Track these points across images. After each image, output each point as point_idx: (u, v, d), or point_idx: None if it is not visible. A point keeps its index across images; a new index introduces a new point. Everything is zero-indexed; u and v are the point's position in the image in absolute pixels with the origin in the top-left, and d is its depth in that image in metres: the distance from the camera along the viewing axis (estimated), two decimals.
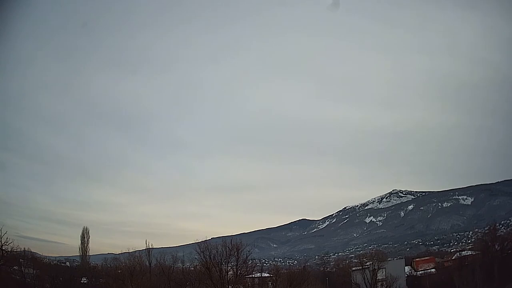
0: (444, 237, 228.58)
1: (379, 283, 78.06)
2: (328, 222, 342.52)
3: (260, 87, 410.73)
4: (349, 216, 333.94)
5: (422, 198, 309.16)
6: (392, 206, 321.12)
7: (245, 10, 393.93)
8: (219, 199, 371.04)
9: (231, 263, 56.22)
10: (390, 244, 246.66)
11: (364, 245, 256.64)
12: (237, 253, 55.46)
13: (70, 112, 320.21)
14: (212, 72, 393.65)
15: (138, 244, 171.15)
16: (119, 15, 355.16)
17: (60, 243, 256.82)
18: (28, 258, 75.23)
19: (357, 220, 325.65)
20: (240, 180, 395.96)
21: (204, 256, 54.63)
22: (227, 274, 55.93)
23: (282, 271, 77.82)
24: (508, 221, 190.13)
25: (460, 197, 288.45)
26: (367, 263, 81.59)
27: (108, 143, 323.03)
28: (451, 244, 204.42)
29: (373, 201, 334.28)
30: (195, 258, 62.91)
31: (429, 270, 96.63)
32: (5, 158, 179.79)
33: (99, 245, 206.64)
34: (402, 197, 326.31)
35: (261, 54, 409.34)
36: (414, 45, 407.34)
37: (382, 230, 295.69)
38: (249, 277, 66.86)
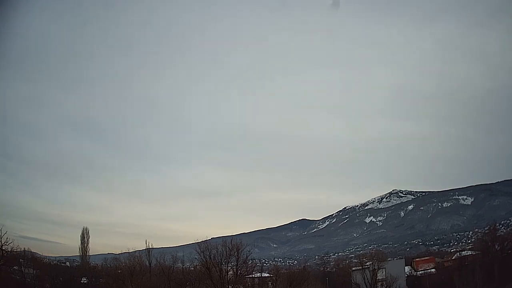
0: (444, 237, 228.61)
1: (379, 283, 77.98)
2: (328, 222, 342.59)
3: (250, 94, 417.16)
4: (349, 216, 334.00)
5: (422, 198, 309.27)
6: (392, 206, 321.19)
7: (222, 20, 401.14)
8: (214, 202, 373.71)
9: (231, 263, 56.17)
10: (390, 244, 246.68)
11: (364, 245, 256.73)
12: (237, 253, 55.41)
13: (52, 123, 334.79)
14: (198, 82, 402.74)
15: (136, 244, 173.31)
16: (93, 30, 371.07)
17: (60, 243, 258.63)
18: (28, 258, 75.05)
19: (357, 220, 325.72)
20: (238, 183, 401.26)
21: (204, 256, 54.60)
22: (227, 274, 55.89)
23: (282, 271, 77.88)
24: (508, 221, 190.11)
25: (460, 197, 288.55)
26: (367, 263, 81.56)
27: (90, 152, 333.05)
28: (451, 244, 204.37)
29: (373, 201, 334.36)
30: (195, 258, 62.91)
31: (429, 270, 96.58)
32: None
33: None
34: (402, 197, 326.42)
35: (234, 67, 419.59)
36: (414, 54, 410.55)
37: (382, 230, 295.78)
38: (249, 277, 66.84)
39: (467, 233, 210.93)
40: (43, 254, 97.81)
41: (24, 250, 74.50)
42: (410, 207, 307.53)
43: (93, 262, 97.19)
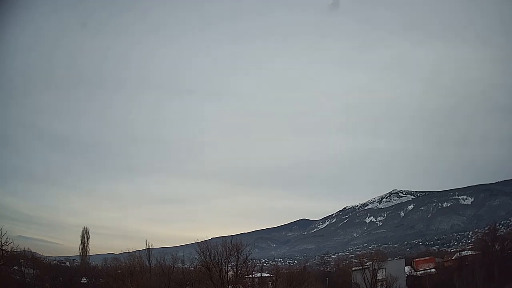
0: (444, 237, 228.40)
1: (379, 283, 77.98)
2: (328, 222, 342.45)
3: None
4: (349, 216, 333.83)
5: (422, 198, 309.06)
6: (392, 206, 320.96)
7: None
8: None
9: (231, 263, 56.14)
10: (390, 244, 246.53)
11: (364, 245, 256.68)
12: (237, 253, 55.37)
13: (42, 141, 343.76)
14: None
15: (136, 245, 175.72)
16: (74, 41, 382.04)
17: (60, 243, 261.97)
18: (28, 258, 74.98)
19: (357, 220, 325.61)
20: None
21: (204, 256, 54.57)
22: (227, 274, 55.90)
23: (282, 271, 77.78)
24: (508, 221, 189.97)
25: (460, 197, 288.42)
26: (367, 263, 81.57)
27: (74, 164, 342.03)
28: (451, 244, 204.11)
29: (373, 201, 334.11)
30: (195, 258, 62.94)
31: (429, 270, 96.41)
32: None
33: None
34: (402, 197, 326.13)
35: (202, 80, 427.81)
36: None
37: (382, 230, 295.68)
38: (249, 277, 66.91)
39: (467, 233, 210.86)
40: (43, 254, 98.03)
41: (24, 250, 74.56)
42: (410, 207, 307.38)
43: (93, 262, 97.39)
